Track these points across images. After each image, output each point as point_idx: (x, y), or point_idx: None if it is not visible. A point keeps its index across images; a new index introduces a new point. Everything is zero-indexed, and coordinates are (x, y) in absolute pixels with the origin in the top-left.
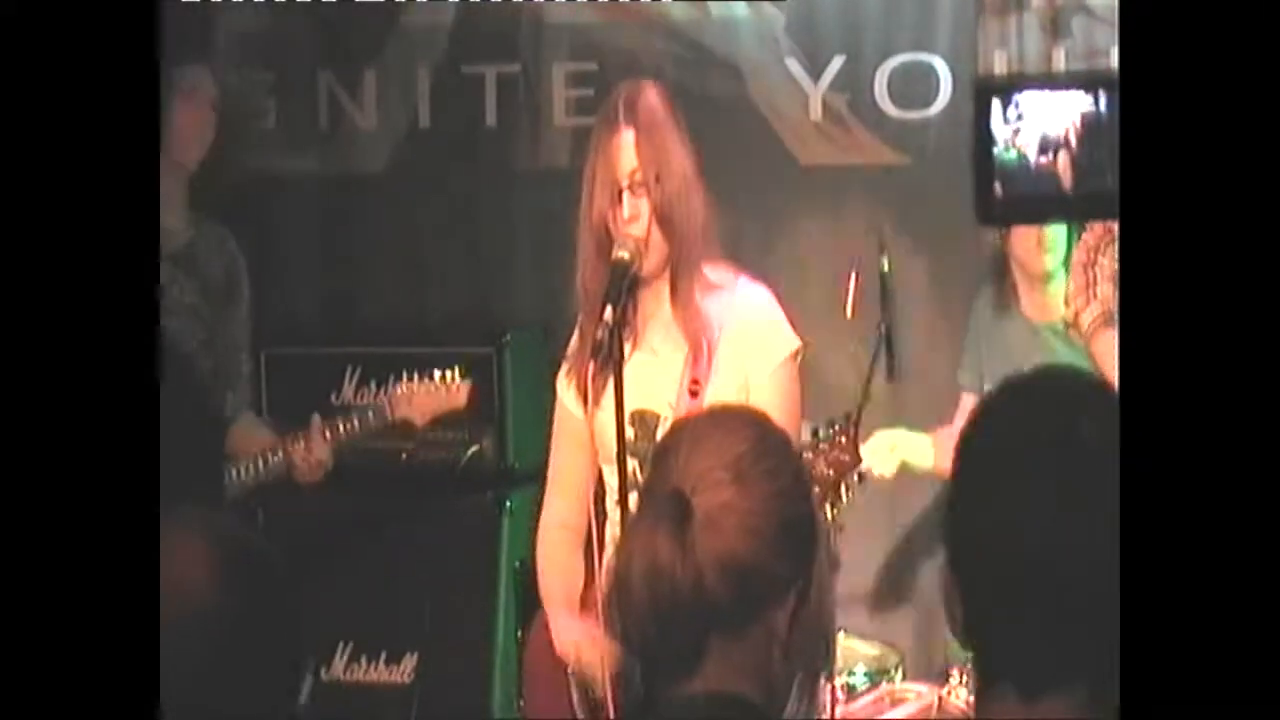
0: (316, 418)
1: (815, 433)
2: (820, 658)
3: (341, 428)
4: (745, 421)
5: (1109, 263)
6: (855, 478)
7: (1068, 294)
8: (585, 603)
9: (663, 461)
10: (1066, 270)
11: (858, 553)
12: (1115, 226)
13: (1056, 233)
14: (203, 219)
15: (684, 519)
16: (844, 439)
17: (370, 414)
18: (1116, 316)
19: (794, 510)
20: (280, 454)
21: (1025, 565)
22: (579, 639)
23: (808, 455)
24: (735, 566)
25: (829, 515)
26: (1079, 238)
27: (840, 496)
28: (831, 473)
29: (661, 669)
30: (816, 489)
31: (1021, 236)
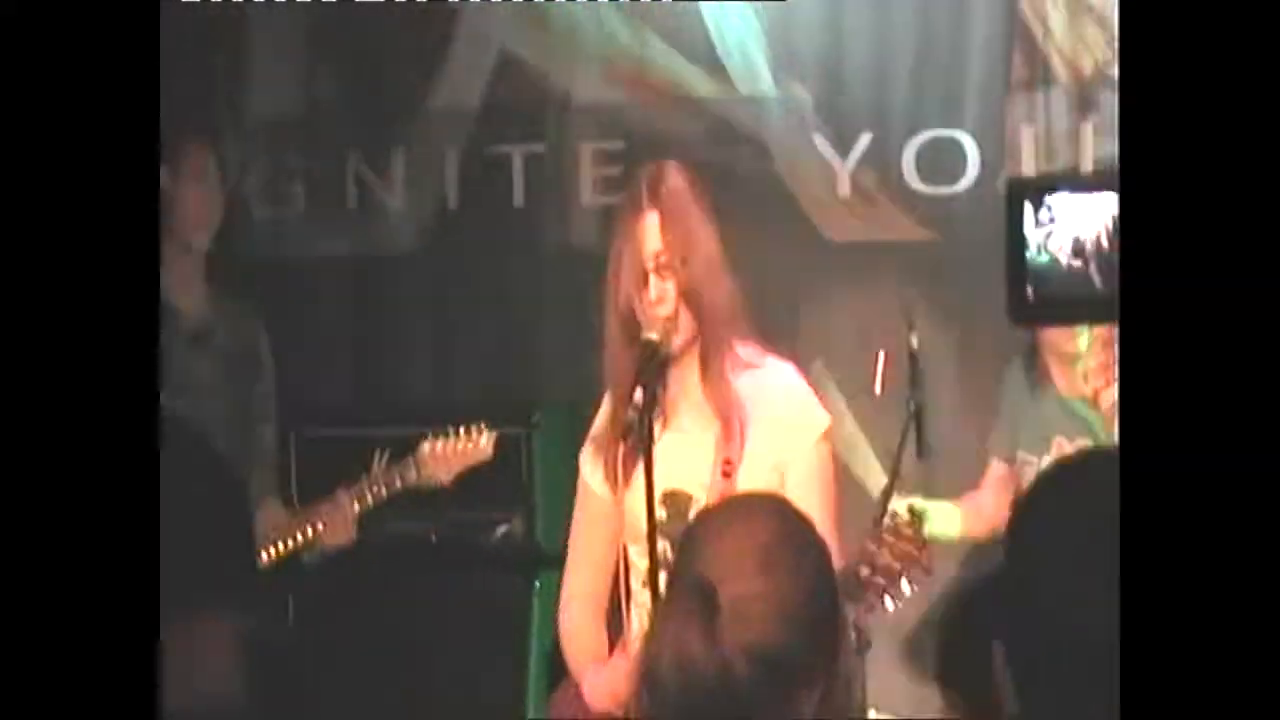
0: (341, 489)
1: (875, 524)
2: None
3: (369, 492)
4: (768, 510)
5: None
6: (923, 570)
7: (1088, 371)
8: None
9: (689, 551)
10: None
11: (887, 625)
12: None
13: None
14: (221, 297)
15: (712, 609)
16: (910, 530)
17: (397, 477)
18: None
19: (820, 597)
20: (308, 532)
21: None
22: (612, 686)
23: (871, 546)
24: (763, 656)
25: (889, 608)
26: None
27: (901, 590)
28: (897, 565)
29: None
30: (881, 580)
31: None
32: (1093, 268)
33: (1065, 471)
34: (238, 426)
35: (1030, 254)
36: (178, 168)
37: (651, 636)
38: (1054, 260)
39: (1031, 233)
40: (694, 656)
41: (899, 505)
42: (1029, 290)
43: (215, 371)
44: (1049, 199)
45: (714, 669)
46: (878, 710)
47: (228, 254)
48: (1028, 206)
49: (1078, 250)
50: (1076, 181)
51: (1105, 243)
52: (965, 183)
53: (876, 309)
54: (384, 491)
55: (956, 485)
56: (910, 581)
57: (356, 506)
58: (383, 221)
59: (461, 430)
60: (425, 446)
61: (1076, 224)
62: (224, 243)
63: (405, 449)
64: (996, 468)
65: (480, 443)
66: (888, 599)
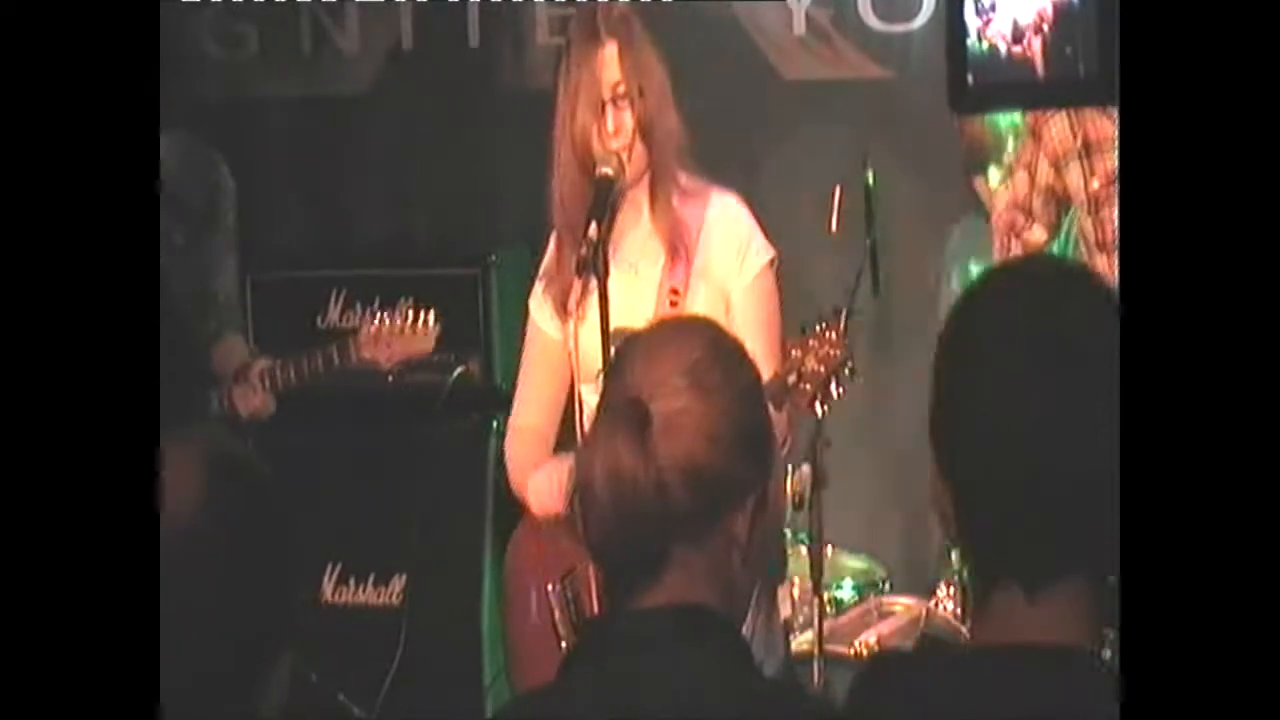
0: (260, 362)
1: (802, 329)
2: (779, 566)
3: (293, 371)
4: (698, 330)
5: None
6: (847, 373)
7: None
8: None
9: (619, 371)
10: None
11: (845, 465)
12: (1018, 219)
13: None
14: (177, 139)
15: (643, 425)
16: (833, 334)
17: (335, 354)
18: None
19: (751, 416)
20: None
21: (1019, 458)
22: (552, 485)
23: (796, 353)
24: (695, 471)
25: (820, 413)
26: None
27: (831, 393)
28: (822, 369)
29: (625, 577)
30: (808, 385)
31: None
32: (1034, 53)
33: (996, 279)
34: (193, 274)
35: (970, 41)
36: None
37: (584, 453)
38: (993, 48)
39: (970, 20)
40: (626, 471)
41: None
42: (969, 78)
43: (170, 222)
44: None
45: (646, 484)
46: (834, 548)
47: (182, 96)
48: None
49: (1017, 36)
50: None
51: (1045, 27)
52: (921, 19)
53: (831, 146)
54: (320, 367)
55: (916, 326)
56: (839, 385)
57: (276, 381)
58: (337, 64)
59: (409, 315)
60: (366, 330)
61: (1016, 10)
62: (178, 84)
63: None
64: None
65: (421, 332)
66: (818, 404)
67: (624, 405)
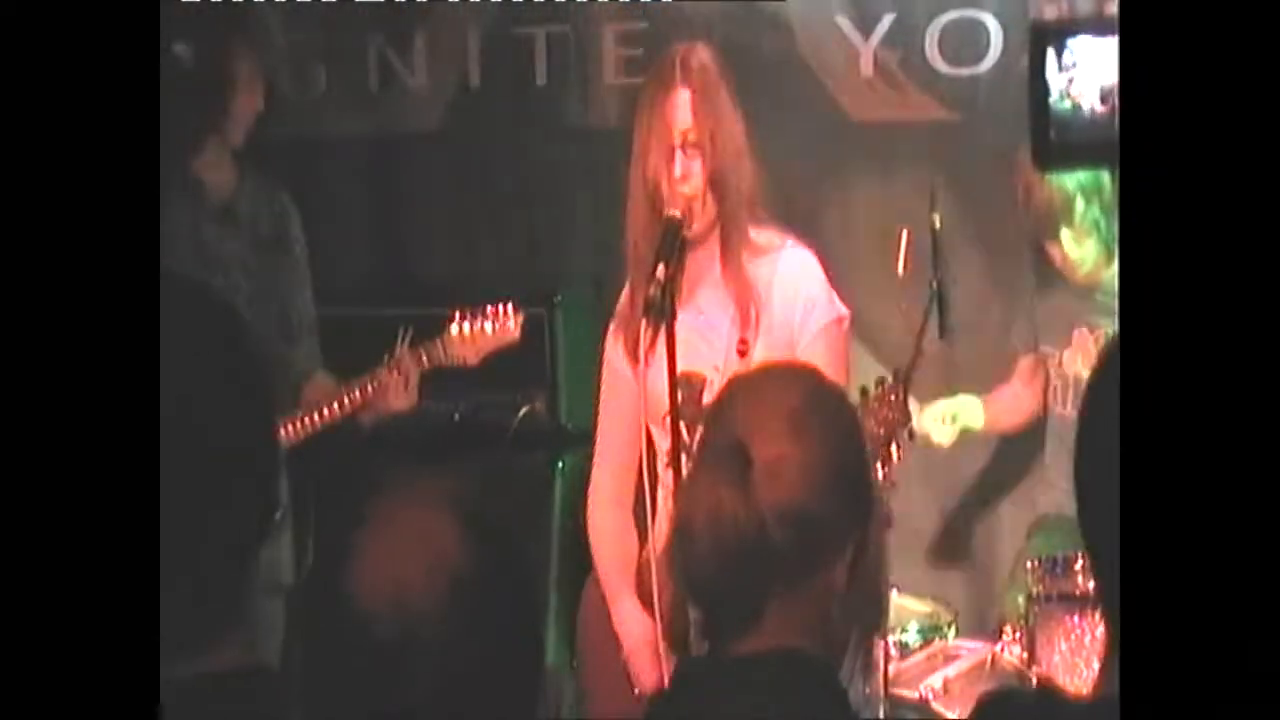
0: (404, 348)
1: (864, 391)
2: (876, 614)
3: (397, 370)
4: (799, 376)
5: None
6: (906, 436)
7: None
8: (640, 569)
9: (720, 415)
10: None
11: (912, 510)
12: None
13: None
14: (248, 173)
15: (745, 469)
16: (893, 397)
17: (424, 356)
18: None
19: (850, 463)
20: (356, 396)
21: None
22: (639, 628)
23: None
24: (796, 516)
25: (879, 474)
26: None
27: (891, 454)
28: (881, 431)
29: (724, 621)
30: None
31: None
32: (1117, 112)
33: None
34: (270, 301)
35: (1053, 99)
36: (230, 73)
37: (684, 496)
38: (1076, 105)
39: (1054, 78)
40: (727, 514)
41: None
42: (1052, 135)
43: (244, 248)
44: (1071, 43)
45: (747, 527)
46: (899, 591)
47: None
48: (1050, 51)
49: (1102, 95)
50: (1099, 25)
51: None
52: (988, 63)
53: (899, 189)
54: (412, 371)
55: (980, 370)
56: (899, 447)
57: (413, 375)
58: (405, 101)
59: (490, 310)
60: (453, 328)
61: (1100, 68)
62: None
63: (431, 331)
64: (1024, 360)
65: (507, 324)
66: (878, 466)
67: (726, 448)
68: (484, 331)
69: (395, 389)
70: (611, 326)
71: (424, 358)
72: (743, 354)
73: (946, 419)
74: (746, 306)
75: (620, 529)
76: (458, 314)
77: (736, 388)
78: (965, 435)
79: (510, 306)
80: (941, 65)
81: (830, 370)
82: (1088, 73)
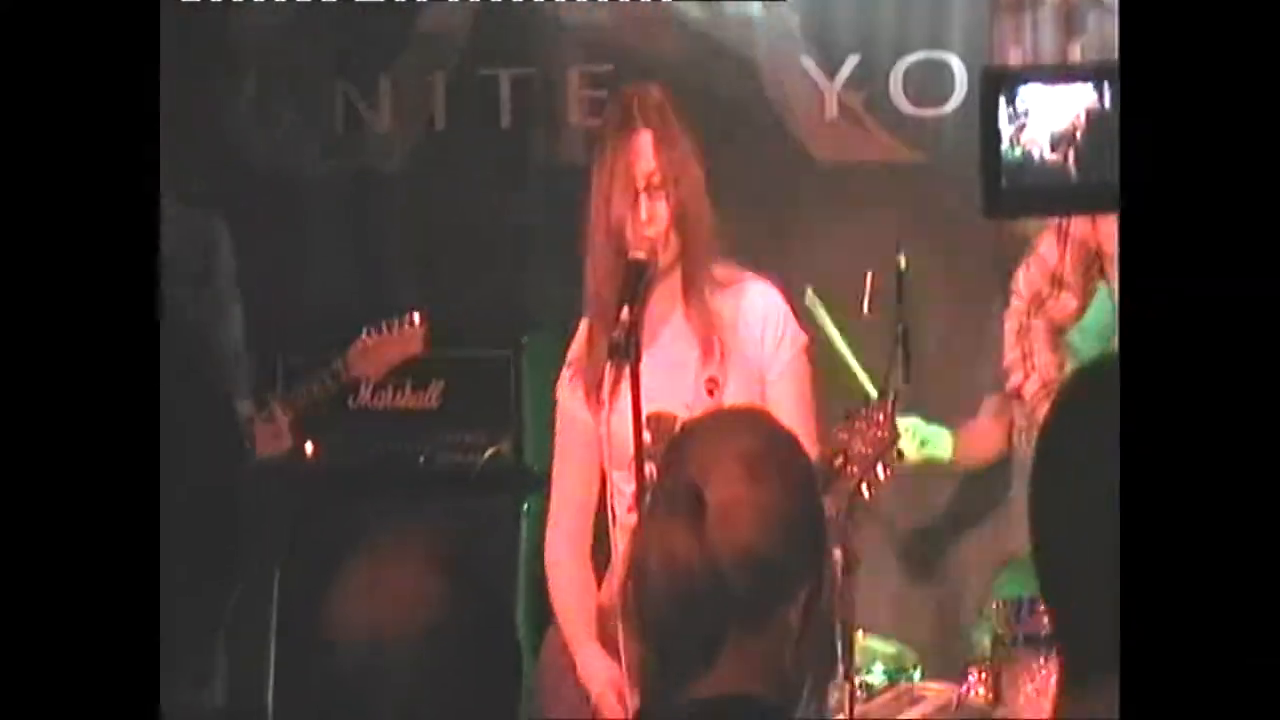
0: (276, 401)
1: (847, 415)
2: (831, 658)
3: (304, 395)
4: (753, 420)
5: (1043, 326)
6: (895, 454)
7: (1009, 365)
8: (601, 613)
9: (675, 458)
10: None
11: (876, 550)
12: (1044, 289)
13: None
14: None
15: (699, 512)
16: (881, 415)
17: (326, 378)
18: (1058, 384)
19: (805, 506)
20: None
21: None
22: (605, 673)
23: (843, 436)
24: (751, 559)
25: (865, 495)
26: (1008, 305)
27: (878, 476)
28: (870, 451)
29: (677, 665)
30: (855, 468)
31: None
32: (1069, 160)
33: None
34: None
35: (1004, 147)
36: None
37: (638, 540)
38: (1027, 153)
39: (1005, 126)
40: (681, 557)
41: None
42: (1003, 183)
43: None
44: (1022, 90)
45: (700, 571)
46: (865, 632)
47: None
48: (1001, 100)
49: (1054, 143)
50: (1050, 73)
51: (1078, 133)
52: (952, 104)
53: (864, 230)
54: (318, 392)
55: (948, 409)
56: (886, 466)
57: (289, 414)
58: (370, 142)
59: (394, 322)
60: (354, 346)
61: (1051, 116)
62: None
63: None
64: (990, 398)
65: (408, 334)
66: (864, 487)
67: (680, 492)
68: (386, 343)
69: (264, 438)
70: (565, 373)
71: (328, 378)
72: (711, 393)
73: (915, 439)
74: (710, 340)
75: (579, 576)
76: (364, 329)
77: (689, 432)
78: (932, 465)
79: (416, 316)
80: (906, 106)
81: (799, 399)
82: (1039, 121)
